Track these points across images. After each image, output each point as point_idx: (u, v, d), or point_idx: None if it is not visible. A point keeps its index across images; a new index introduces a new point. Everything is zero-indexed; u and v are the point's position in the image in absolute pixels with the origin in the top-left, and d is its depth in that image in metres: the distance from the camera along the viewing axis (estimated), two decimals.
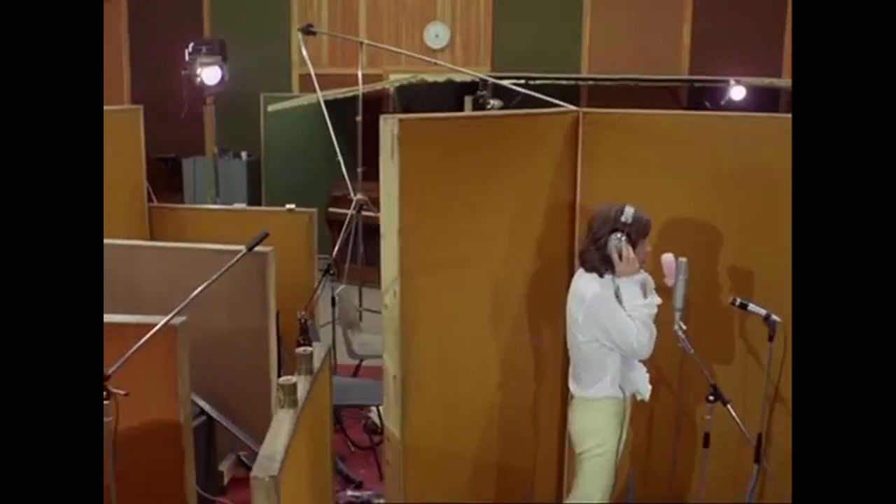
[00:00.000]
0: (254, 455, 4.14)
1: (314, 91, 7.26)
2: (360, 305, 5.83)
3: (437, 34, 8.41)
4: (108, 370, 2.40)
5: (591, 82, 7.58)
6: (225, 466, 4.12)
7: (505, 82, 5.10)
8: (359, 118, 5.75)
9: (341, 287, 4.86)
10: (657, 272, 3.09)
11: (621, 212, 2.97)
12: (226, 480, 4.12)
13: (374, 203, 5.94)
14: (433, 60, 5.67)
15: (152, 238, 5.02)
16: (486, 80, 5.93)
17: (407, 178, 2.93)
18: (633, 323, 2.93)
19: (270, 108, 7.48)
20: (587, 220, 3.09)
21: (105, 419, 2.39)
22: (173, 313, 2.48)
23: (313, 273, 5.11)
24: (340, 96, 6.76)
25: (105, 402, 2.38)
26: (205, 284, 2.47)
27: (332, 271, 4.60)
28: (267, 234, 2.60)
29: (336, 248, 5.27)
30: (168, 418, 2.89)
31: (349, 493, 4.10)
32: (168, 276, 4.11)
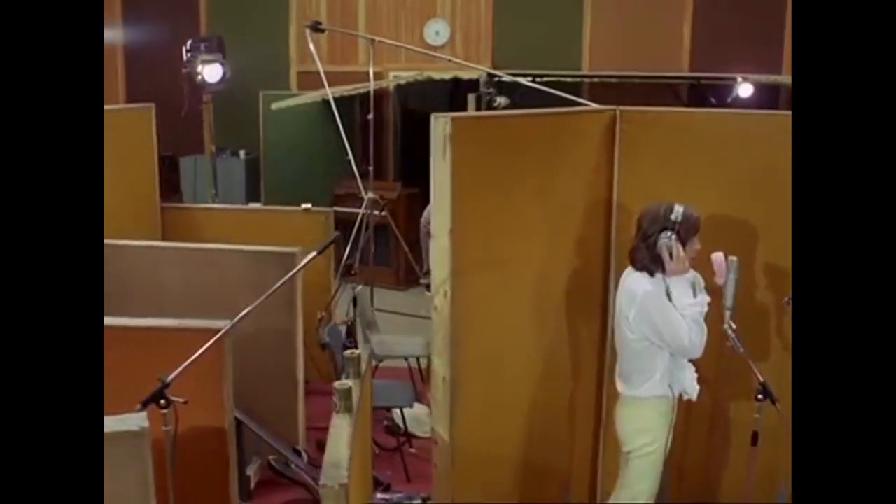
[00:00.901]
0: (283, 459, 4.10)
1: (312, 89, 7.19)
2: (372, 306, 5.77)
3: (437, 31, 8.34)
4: (167, 378, 2.33)
5: (596, 79, 7.57)
6: (251, 470, 4.05)
7: (521, 79, 5.07)
8: (370, 116, 5.69)
9: (359, 287, 4.80)
10: (706, 271, 3.07)
11: (671, 210, 2.95)
12: (252, 485, 4.05)
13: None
14: (447, 58, 5.63)
15: (164, 238, 4.94)
16: (494, 77, 5.90)
17: (457, 177, 2.90)
18: (684, 321, 2.91)
19: (273, 105, 7.37)
20: (636, 219, 3.06)
21: (164, 428, 2.32)
22: (239, 317, 2.41)
23: (329, 273, 5.06)
24: (346, 94, 6.68)
25: (164, 411, 2.32)
26: (275, 286, 2.41)
27: (353, 272, 4.54)
28: (338, 237, 2.55)
29: (349, 247, 5.21)
30: (214, 424, 2.82)
31: (378, 495, 4.05)
32: (190, 277, 4.04)
